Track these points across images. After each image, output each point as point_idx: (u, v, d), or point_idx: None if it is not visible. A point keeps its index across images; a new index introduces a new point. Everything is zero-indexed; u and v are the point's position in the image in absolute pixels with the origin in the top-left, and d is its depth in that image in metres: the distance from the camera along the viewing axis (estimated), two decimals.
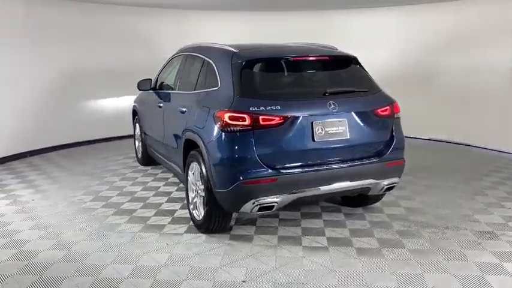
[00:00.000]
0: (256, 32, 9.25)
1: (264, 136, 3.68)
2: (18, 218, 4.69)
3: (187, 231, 4.29)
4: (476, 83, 8.06)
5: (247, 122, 3.63)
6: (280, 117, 3.70)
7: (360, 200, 4.83)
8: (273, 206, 3.78)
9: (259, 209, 3.77)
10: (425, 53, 8.74)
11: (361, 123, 4.03)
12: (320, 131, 3.84)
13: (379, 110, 4.12)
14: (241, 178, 3.63)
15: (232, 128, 3.65)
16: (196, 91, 4.53)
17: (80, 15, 8.18)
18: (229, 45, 4.40)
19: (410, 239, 4.08)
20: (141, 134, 6.65)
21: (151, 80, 5.92)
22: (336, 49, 4.63)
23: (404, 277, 3.39)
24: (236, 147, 3.64)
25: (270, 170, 3.68)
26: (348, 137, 3.96)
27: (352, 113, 3.99)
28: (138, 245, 3.98)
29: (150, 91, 5.92)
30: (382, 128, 4.17)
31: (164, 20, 9.22)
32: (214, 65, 4.30)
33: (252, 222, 4.52)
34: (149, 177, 6.28)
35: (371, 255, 3.75)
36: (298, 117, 3.77)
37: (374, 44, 9.12)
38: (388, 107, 4.18)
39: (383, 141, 4.17)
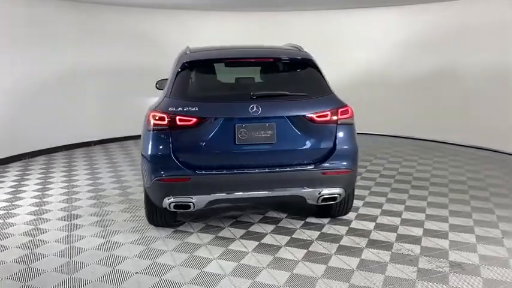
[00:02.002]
0: (259, 32, 9.25)
1: (181, 136, 3.77)
2: None
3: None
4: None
5: (165, 122, 3.77)
6: (197, 118, 3.75)
7: (325, 210, 4.56)
8: (189, 206, 3.84)
9: (175, 207, 3.87)
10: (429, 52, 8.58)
11: (294, 129, 3.84)
12: (243, 134, 3.78)
13: (315, 115, 3.87)
14: (157, 175, 3.78)
15: (153, 127, 3.82)
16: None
17: (83, 15, 8.30)
18: (193, 49, 4.51)
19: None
20: None
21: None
22: (299, 51, 4.43)
23: None
24: (155, 146, 3.80)
25: (185, 170, 3.75)
26: (275, 142, 3.81)
27: (284, 118, 3.83)
28: None
29: None
30: (320, 135, 3.91)
31: (167, 20, 9.27)
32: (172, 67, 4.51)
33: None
34: None
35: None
36: (217, 119, 3.77)
37: (375, 43, 9.24)
38: (327, 112, 3.90)
39: (321, 149, 3.91)
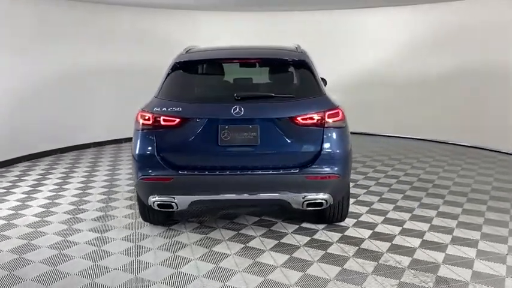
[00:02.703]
0: (269, 32, 9.11)
1: (165, 136, 3.81)
2: None
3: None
4: None
5: (150, 122, 3.82)
6: (180, 118, 3.77)
7: (320, 215, 4.43)
8: (172, 206, 3.87)
9: (159, 206, 3.91)
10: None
11: (279, 131, 3.76)
12: (226, 135, 3.75)
13: (300, 118, 3.76)
14: (142, 174, 3.84)
15: (140, 127, 3.89)
16: None
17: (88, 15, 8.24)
18: (191, 49, 4.55)
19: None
20: None
21: None
22: (294, 51, 4.32)
23: None
24: (140, 145, 3.86)
25: (168, 170, 3.79)
26: (259, 144, 3.75)
27: (268, 120, 3.76)
28: None
29: None
30: (306, 138, 3.79)
31: (178, 20, 9.25)
32: None
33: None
34: None
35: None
36: (201, 120, 3.77)
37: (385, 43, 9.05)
38: (313, 115, 3.77)
39: (306, 152, 3.79)
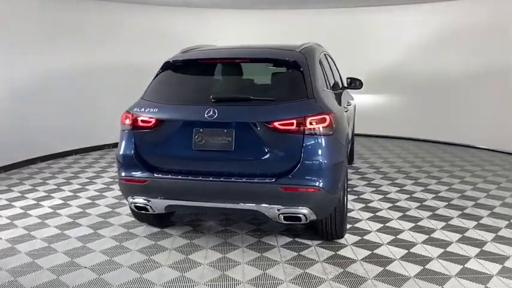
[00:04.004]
0: (276, 31, 8.96)
1: (142, 137, 3.73)
2: None
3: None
4: None
5: (129, 123, 3.77)
6: (155, 119, 3.67)
7: (315, 230, 4.07)
8: (147, 208, 3.78)
9: (136, 208, 3.84)
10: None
11: (255, 137, 3.48)
12: (200, 139, 3.57)
13: (278, 123, 3.44)
14: (121, 175, 3.81)
15: (122, 127, 3.86)
16: None
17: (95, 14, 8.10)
18: (189, 49, 4.42)
19: None
20: None
21: None
22: (290, 51, 3.98)
23: None
24: (121, 146, 3.82)
25: (144, 172, 3.70)
26: (233, 150, 3.51)
27: (244, 124, 3.50)
28: None
29: None
30: (284, 145, 3.46)
31: (189, 19, 9.01)
32: None
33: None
34: None
35: None
36: (176, 122, 3.63)
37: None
38: (293, 120, 3.43)
39: (284, 161, 3.46)
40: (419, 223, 4.51)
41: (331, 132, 3.50)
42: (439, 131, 8.71)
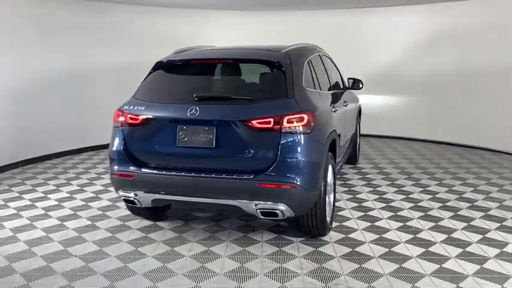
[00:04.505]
0: (274, 32, 9.08)
1: (131, 134, 3.92)
2: None
3: None
4: None
5: (119, 120, 3.98)
6: (143, 117, 3.86)
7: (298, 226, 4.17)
8: (134, 202, 3.97)
9: (125, 201, 4.05)
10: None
11: (235, 135, 3.62)
12: (183, 136, 3.74)
13: (256, 121, 3.56)
14: (112, 169, 4.02)
15: (113, 124, 4.07)
16: None
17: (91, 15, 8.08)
18: (182, 50, 4.58)
19: None
20: None
21: None
22: (274, 51, 4.09)
23: None
24: (112, 142, 4.04)
25: (132, 167, 3.89)
26: (214, 147, 3.66)
27: (225, 122, 3.64)
28: None
29: None
30: (262, 143, 3.58)
31: (189, 20, 9.06)
32: None
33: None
34: None
35: None
36: (161, 120, 3.81)
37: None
38: (270, 119, 3.54)
39: (261, 158, 3.59)
40: (408, 223, 4.53)
41: (309, 131, 3.59)
42: (453, 133, 8.57)
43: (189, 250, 3.94)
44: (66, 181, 6.21)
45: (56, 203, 5.27)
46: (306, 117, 3.58)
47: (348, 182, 6.05)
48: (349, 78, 6.13)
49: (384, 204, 5.11)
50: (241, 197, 3.63)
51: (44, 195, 5.58)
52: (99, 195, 5.53)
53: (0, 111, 6.67)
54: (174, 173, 3.77)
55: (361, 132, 7.55)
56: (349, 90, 6.22)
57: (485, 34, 7.88)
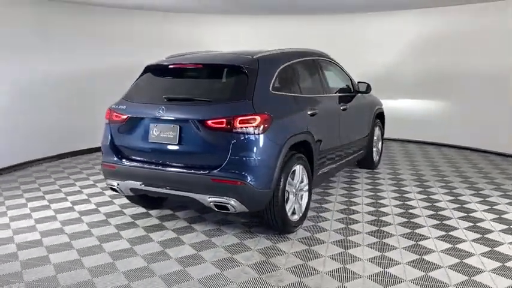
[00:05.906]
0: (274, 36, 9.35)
1: (116, 130, 4.45)
2: None
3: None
4: None
5: (108, 117, 4.53)
6: (124, 115, 4.36)
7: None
8: (117, 190, 4.49)
9: (111, 189, 4.58)
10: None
11: (194, 133, 3.99)
12: (154, 133, 4.18)
13: (210, 121, 3.89)
14: (102, 160, 4.59)
15: (105, 121, 4.63)
16: None
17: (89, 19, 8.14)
18: (173, 55, 5.00)
19: None
20: None
21: None
22: (243, 56, 4.37)
23: None
24: (103, 136, 4.60)
25: (115, 159, 4.42)
26: (177, 143, 4.05)
27: (186, 121, 4.02)
28: None
29: None
30: (216, 141, 3.90)
31: (191, 25, 9.19)
32: None
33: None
34: None
35: None
36: (138, 117, 4.28)
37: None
38: (223, 119, 3.84)
39: (215, 155, 3.90)
40: (384, 228, 4.53)
41: (261, 132, 3.83)
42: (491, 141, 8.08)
43: (161, 236, 4.35)
44: (86, 176, 6.97)
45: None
46: (258, 118, 3.83)
47: (352, 186, 6.08)
48: (359, 82, 6.17)
49: (372, 209, 5.11)
50: (198, 190, 3.98)
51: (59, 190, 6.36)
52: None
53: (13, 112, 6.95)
54: (146, 165, 4.23)
55: None
56: (365, 95, 6.26)
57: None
